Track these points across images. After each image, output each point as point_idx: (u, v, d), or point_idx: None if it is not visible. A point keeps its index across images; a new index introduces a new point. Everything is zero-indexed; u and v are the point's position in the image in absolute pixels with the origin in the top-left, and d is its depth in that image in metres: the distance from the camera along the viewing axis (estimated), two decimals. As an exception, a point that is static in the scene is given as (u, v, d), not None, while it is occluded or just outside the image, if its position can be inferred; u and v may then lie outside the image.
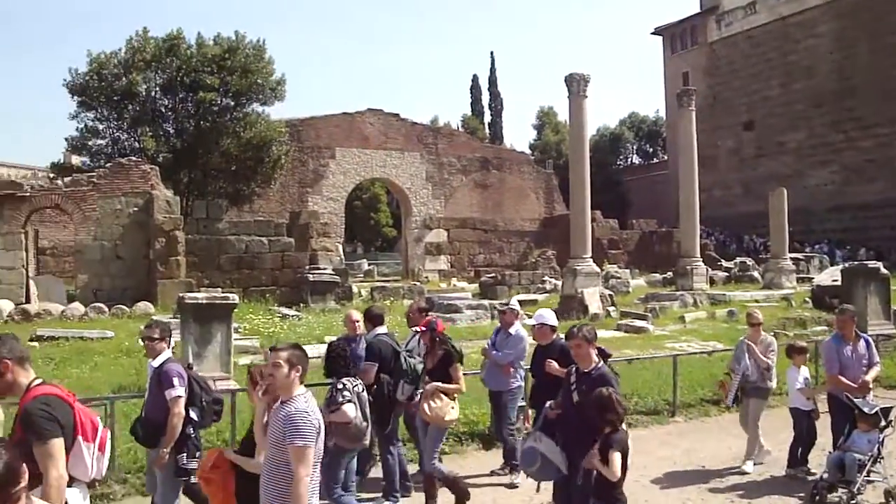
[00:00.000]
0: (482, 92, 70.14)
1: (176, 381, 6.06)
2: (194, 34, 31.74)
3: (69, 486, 3.83)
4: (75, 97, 30.24)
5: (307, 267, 23.50)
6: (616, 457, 5.22)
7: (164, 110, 31.31)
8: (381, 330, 8.01)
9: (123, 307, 19.13)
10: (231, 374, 10.84)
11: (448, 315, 19.88)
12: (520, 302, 22.95)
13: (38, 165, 77.44)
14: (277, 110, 40.23)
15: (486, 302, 22.09)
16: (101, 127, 31.07)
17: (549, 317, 8.04)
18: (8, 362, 3.91)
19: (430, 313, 8.53)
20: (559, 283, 24.73)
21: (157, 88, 30.98)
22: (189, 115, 30.71)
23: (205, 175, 30.78)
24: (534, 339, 8.16)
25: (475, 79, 70.57)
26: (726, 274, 30.29)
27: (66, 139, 31.51)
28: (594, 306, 20.61)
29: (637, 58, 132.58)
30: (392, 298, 23.93)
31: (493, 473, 8.73)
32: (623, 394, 11.02)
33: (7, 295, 20.28)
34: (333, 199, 39.69)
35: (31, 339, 14.71)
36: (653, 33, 61.65)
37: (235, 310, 11.71)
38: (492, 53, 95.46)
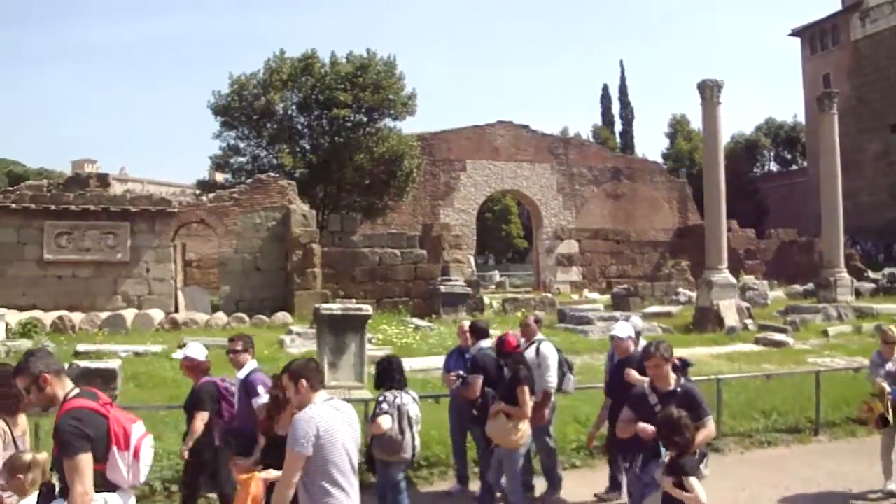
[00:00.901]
0: (612, 101, 69.20)
1: (261, 388, 6.19)
2: (328, 53, 32.68)
3: (112, 491, 4.00)
4: (218, 117, 31.70)
5: (439, 278, 23.75)
6: (694, 483, 4.95)
7: (300, 127, 32.33)
8: (486, 343, 8.04)
9: (263, 317, 19.87)
10: (364, 383, 11.05)
11: (580, 327, 19.70)
12: (653, 314, 22.66)
13: (186, 183, 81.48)
14: (409, 125, 40.86)
15: (618, 314, 21.73)
16: (241, 145, 32.45)
17: (625, 329, 7.64)
18: (47, 376, 4.07)
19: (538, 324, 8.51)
20: (694, 294, 24.04)
21: (294, 107, 32.04)
22: (324, 132, 31.59)
23: (339, 189, 31.59)
24: (615, 350, 7.70)
25: (605, 88, 69.74)
26: (873, 285, 28.65)
27: (211, 157, 33.10)
28: (731, 319, 19.93)
29: (773, 61, 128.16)
30: (523, 310, 23.87)
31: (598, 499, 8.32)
32: (761, 410, 10.73)
33: (158, 304, 21.44)
34: (465, 211, 39.97)
35: (179, 347, 15.45)
36: (790, 34, 59.19)
37: (369, 321, 11.93)
38: (621, 62, 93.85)
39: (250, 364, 6.50)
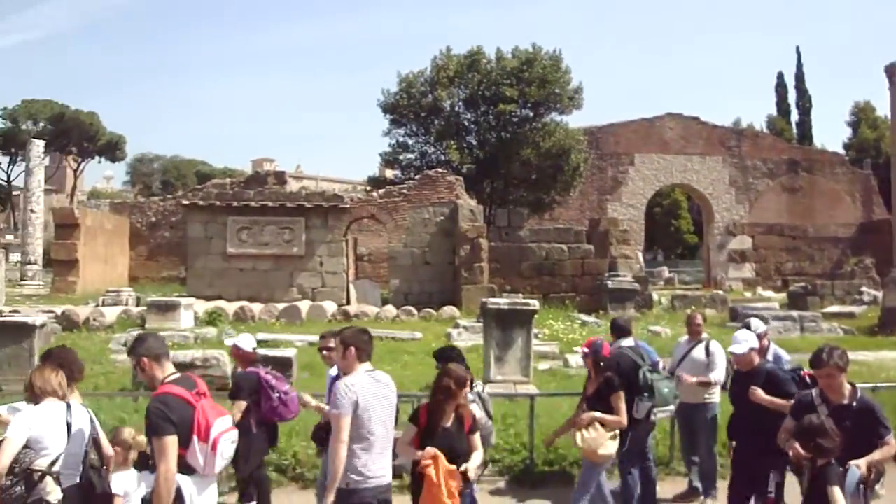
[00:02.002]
0: (788, 90, 65.57)
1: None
2: (493, 49, 32.84)
3: (189, 474, 4.23)
4: (387, 115, 32.49)
5: (607, 274, 23.34)
6: (836, 492, 4.47)
7: (466, 123, 32.63)
8: (627, 342, 7.55)
9: (431, 310, 20.17)
10: (530, 378, 10.97)
11: (754, 326, 18.78)
12: (833, 314, 21.37)
13: (357, 179, 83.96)
14: (575, 118, 40.43)
15: (794, 313, 20.61)
16: (410, 142, 33.13)
17: (748, 338, 6.54)
18: (145, 360, 4.38)
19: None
20: (879, 294, 22.46)
21: (461, 103, 32.36)
22: (490, 127, 31.75)
23: (506, 184, 31.67)
24: (736, 365, 6.80)
25: (780, 76, 66.17)
26: None
27: (380, 154, 33.98)
28: (922, 320, 18.49)
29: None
30: (693, 307, 23.08)
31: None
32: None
33: (331, 297, 22.21)
34: (633, 205, 39.18)
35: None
36: None
37: (536, 315, 11.83)
38: (798, 48, 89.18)
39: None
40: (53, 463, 4.38)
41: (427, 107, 31.46)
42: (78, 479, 4.50)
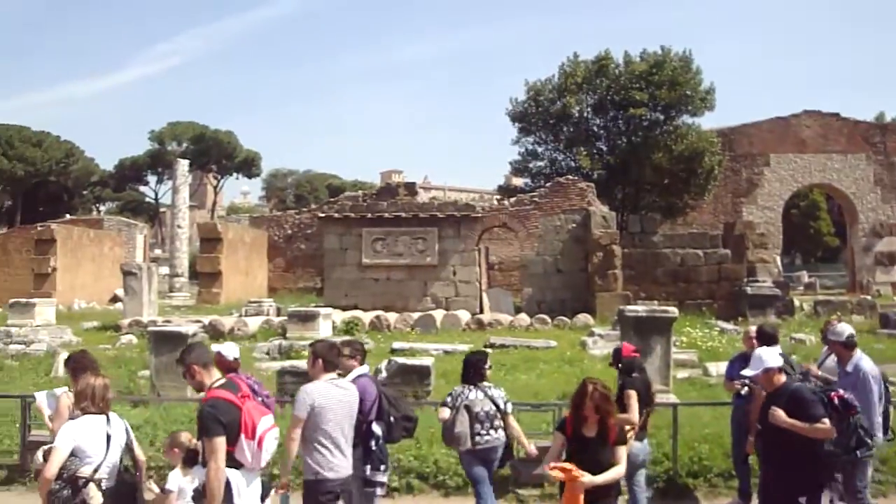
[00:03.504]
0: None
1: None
2: (621, 53, 32.49)
3: (237, 468, 4.76)
4: (516, 124, 32.60)
5: (745, 279, 22.61)
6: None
7: (596, 129, 32.39)
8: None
9: (564, 318, 20.06)
10: (670, 386, 10.78)
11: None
12: None
13: (484, 189, 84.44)
14: (707, 120, 39.50)
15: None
16: (539, 149, 33.14)
17: (769, 357, 6.14)
18: (195, 367, 4.99)
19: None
20: None
21: (589, 109, 32.17)
22: (620, 132, 31.41)
23: (637, 190, 31.23)
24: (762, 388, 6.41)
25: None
26: None
27: (510, 163, 34.11)
28: None
29: None
30: (838, 313, 22.05)
31: None
32: None
33: (464, 306, 22.42)
34: (769, 208, 37.89)
35: (485, 346, 16.06)
36: None
37: (674, 323, 11.61)
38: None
39: (358, 369, 6.62)
40: (96, 470, 4.96)
41: (556, 114, 31.41)
42: (114, 484, 5.09)
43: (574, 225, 23.13)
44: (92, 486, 4.93)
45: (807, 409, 5.63)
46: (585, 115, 32.28)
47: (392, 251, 23.33)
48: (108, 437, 5.09)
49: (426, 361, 11.83)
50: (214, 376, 5.05)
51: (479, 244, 24.19)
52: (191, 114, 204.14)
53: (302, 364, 12.00)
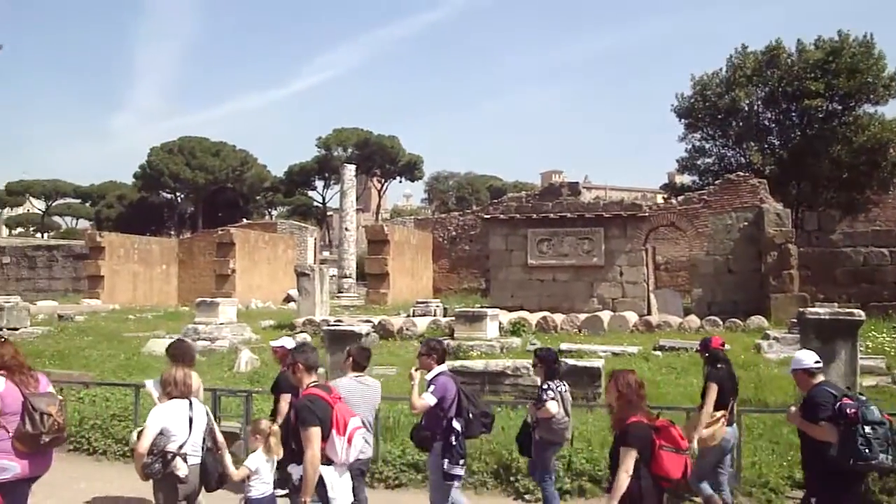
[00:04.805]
0: None
1: (430, 388, 6.75)
2: (793, 42, 31.06)
3: (328, 464, 5.25)
4: (682, 120, 31.80)
5: (937, 280, 21.12)
6: None
7: (767, 123, 31.21)
8: None
9: (737, 320, 19.41)
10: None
11: None
12: None
13: (646, 187, 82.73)
14: (892, 109, 37.37)
15: None
16: (707, 146, 32.23)
17: (805, 358, 6.25)
18: (301, 365, 5.67)
19: None
20: None
21: (760, 102, 31.04)
22: (794, 125, 30.15)
23: (814, 185, 29.80)
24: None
25: None
26: None
27: (677, 160, 33.33)
28: None
29: None
30: None
31: None
32: None
33: (631, 307, 22.11)
34: (963, 202, 35.14)
35: (654, 349, 15.79)
36: None
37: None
38: None
39: (437, 368, 6.93)
40: (181, 447, 5.66)
41: (724, 108, 30.44)
42: (198, 461, 5.77)
43: (746, 223, 22.33)
44: (178, 459, 5.62)
45: (811, 410, 5.88)
46: (756, 108, 31.16)
47: (557, 252, 23.30)
48: (191, 420, 5.78)
49: (596, 363, 11.78)
50: (313, 378, 5.69)
51: (645, 244, 23.76)
52: (355, 120, 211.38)
53: (471, 364, 12.30)
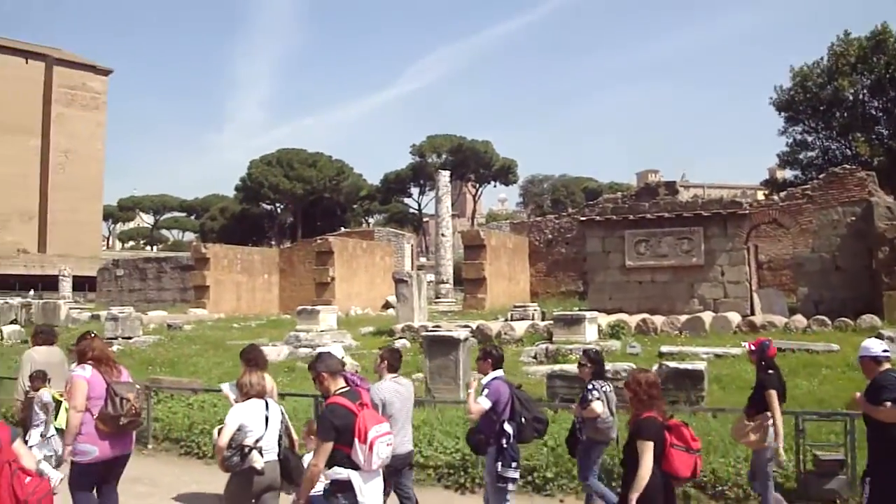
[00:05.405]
0: None
1: (484, 392, 6.99)
2: (902, 26, 29.78)
3: (354, 469, 5.40)
4: (782, 113, 30.92)
5: None
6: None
7: (874, 112, 30.13)
8: None
9: (846, 320, 18.72)
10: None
11: None
12: None
13: (746, 184, 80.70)
14: None
15: None
16: (809, 139, 31.26)
17: (873, 346, 6.24)
18: (324, 374, 5.73)
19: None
20: None
21: (865, 91, 29.95)
22: (904, 114, 28.89)
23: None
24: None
25: None
26: None
27: (778, 155, 32.46)
28: None
29: None
30: None
31: None
32: None
33: (733, 307, 21.56)
34: None
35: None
36: None
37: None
38: None
39: (492, 373, 7.16)
40: (257, 441, 6.04)
41: (826, 99, 29.52)
42: (276, 457, 6.20)
43: (853, 218, 21.50)
44: (255, 452, 6.01)
45: (876, 393, 5.88)
46: (861, 97, 30.06)
47: (656, 252, 22.92)
48: (266, 418, 6.21)
49: (699, 365, 11.56)
50: (339, 384, 5.76)
51: (747, 242, 23.13)
52: (448, 126, 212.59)
53: (570, 368, 12.21)
